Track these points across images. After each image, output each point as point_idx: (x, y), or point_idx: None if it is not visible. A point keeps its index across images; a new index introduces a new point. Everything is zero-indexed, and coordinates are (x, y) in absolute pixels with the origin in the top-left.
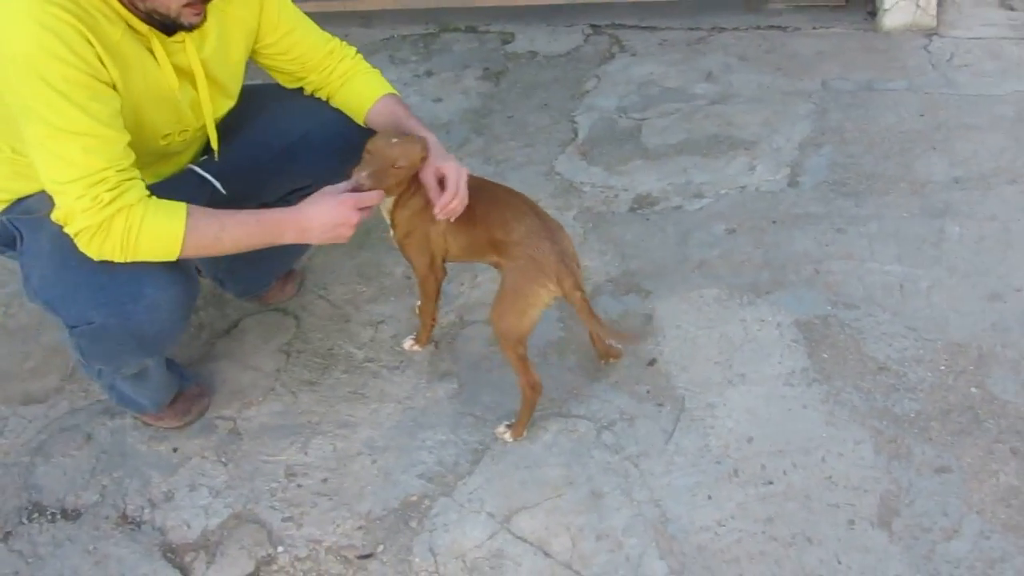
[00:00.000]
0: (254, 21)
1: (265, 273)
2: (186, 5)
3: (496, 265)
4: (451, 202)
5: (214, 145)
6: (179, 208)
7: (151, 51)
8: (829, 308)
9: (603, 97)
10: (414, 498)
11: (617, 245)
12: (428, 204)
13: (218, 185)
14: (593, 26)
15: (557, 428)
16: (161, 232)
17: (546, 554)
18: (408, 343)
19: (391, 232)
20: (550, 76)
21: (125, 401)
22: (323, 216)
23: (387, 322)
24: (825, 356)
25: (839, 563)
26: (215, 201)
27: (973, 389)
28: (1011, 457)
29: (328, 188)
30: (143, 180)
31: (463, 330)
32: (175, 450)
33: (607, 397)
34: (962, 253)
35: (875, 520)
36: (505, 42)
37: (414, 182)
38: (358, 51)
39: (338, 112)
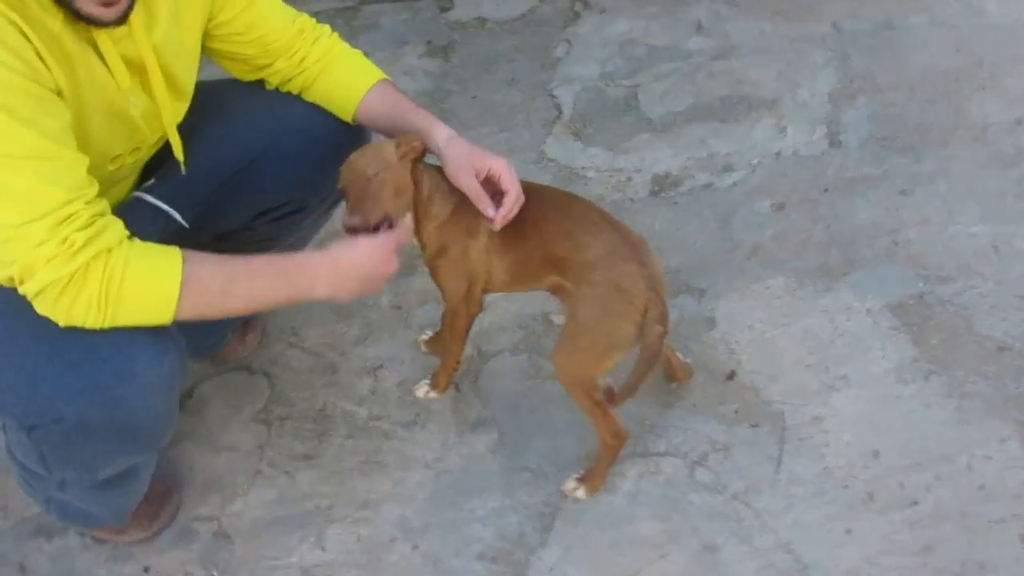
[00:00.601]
0: None
1: (219, 323)
2: None
3: (556, 290)
4: (512, 206)
5: (179, 154)
6: (172, 253)
7: (93, 45)
8: (921, 284)
9: (580, 64)
10: None
11: (648, 238)
12: (458, 207)
13: (177, 216)
14: None
15: (638, 472)
16: (151, 285)
17: None
18: (422, 390)
19: (423, 255)
20: (509, 45)
21: (71, 515)
22: (364, 259)
23: (386, 366)
24: (933, 342)
25: None
26: (172, 235)
27: None
28: None
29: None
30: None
31: (486, 364)
32: (146, 570)
33: (689, 425)
34: None
35: None
36: (444, 9)
37: (427, 170)
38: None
39: (314, 109)
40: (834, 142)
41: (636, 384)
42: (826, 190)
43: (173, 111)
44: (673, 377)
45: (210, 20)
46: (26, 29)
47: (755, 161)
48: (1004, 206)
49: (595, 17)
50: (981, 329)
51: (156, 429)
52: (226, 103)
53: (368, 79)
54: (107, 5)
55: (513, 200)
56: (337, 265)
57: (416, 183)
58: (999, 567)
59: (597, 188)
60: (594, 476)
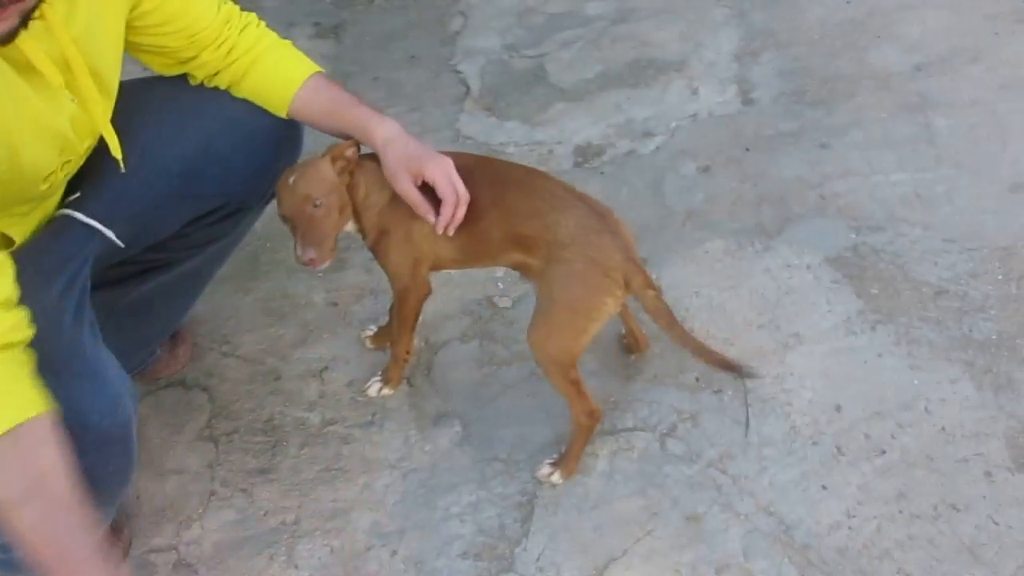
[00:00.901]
0: None
1: (144, 338)
2: None
3: (521, 267)
4: (453, 212)
5: (116, 152)
6: (19, 409)
7: (11, 60)
8: (854, 236)
9: (480, 36)
10: None
11: None
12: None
13: (111, 235)
14: None
15: (609, 450)
16: None
17: None
18: (375, 388)
19: (364, 241)
20: (403, 21)
21: (10, 564)
22: None
23: (332, 367)
24: (875, 291)
25: (996, 524)
26: (105, 253)
27: None
28: None
29: None
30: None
31: (436, 355)
32: None
33: (653, 397)
34: (961, 147)
35: (1011, 465)
36: None
37: (361, 168)
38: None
39: (246, 104)
40: (747, 100)
41: (684, 341)
42: (748, 149)
43: (103, 109)
44: (634, 348)
45: (132, 10)
46: None
47: (673, 124)
48: (918, 152)
49: None
50: (916, 275)
51: (115, 483)
52: (152, 105)
53: (301, 73)
54: None
55: (451, 208)
56: None
57: (352, 189)
58: (970, 505)
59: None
60: (568, 459)
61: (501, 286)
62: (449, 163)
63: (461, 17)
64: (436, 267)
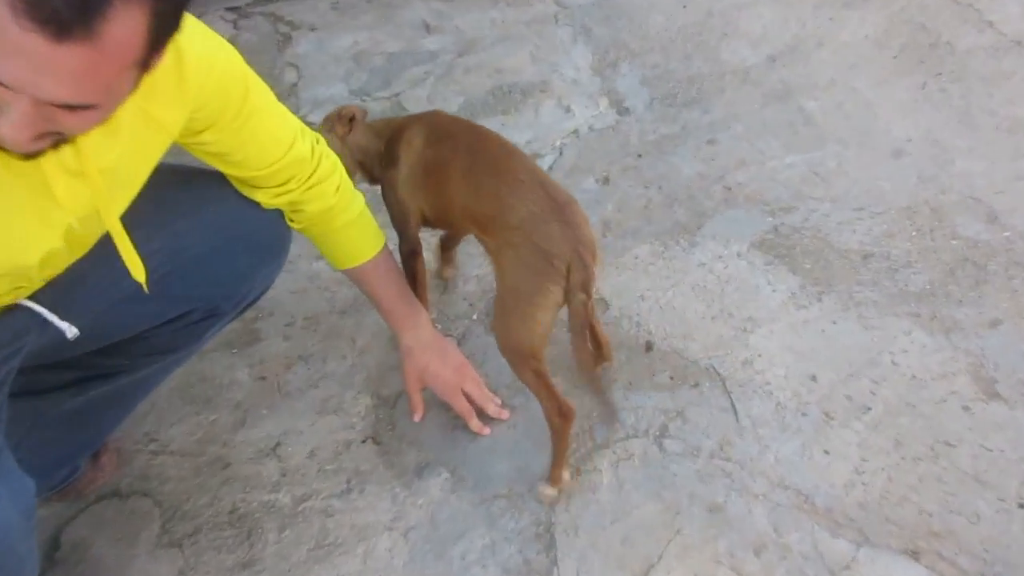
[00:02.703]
0: (177, 128)
1: (70, 453)
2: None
3: (480, 242)
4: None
5: (139, 277)
6: None
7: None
8: (770, 219)
9: (321, 86)
10: None
11: None
12: (389, 142)
13: (62, 325)
14: (232, 9)
15: (609, 462)
16: None
17: None
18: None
19: None
20: None
21: None
22: None
23: (284, 442)
24: (808, 266)
25: (988, 450)
26: (51, 347)
27: (953, 242)
28: None
29: None
30: None
31: (395, 408)
32: None
33: (635, 403)
34: (837, 124)
35: (983, 396)
36: None
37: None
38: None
39: (241, 203)
40: (621, 110)
41: (581, 357)
42: (639, 155)
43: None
44: (599, 360)
45: (188, 136)
46: None
47: (558, 143)
48: (799, 135)
49: (308, 36)
50: (840, 244)
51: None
52: (159, 198)
53: (365, 253)
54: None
55: (476, 426)
56: None
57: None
58: (961, 439)
59: None
60: (556, 467)
61: (439, 326)
62: (454, 388)
63: (293, 68)
64: (424, 223)
